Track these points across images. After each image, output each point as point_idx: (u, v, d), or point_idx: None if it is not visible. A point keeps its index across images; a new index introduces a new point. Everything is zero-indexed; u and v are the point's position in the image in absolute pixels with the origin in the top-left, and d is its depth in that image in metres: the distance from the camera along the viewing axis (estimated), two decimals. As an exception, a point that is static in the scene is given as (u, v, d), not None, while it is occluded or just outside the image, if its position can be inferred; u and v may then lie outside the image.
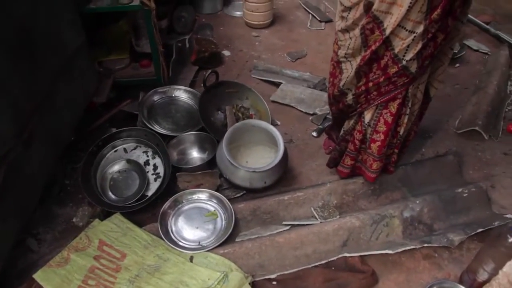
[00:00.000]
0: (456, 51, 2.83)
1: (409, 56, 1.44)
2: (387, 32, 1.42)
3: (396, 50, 1.45)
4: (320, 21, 3.19)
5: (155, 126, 2.15)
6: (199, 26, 3.14)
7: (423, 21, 1.36)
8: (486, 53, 2.97)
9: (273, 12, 3.14)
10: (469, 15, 3.29)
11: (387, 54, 1.48)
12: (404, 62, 1.46)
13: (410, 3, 1.33)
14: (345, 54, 1.62)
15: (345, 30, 1.59)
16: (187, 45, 2.89)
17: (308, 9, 3.32)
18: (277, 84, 2.56)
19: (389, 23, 1.41)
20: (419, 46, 1.42)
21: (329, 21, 3.19)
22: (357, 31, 1.52)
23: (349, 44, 1.58)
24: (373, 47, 1.48)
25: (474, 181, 2.02)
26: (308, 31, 3.14)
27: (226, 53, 2.86)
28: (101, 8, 2.16)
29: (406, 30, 1.40)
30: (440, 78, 1.71)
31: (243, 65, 2.75)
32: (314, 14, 3.25)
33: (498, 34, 3.11)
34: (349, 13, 1.54)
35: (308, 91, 2.49)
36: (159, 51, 2.31)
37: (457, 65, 2.84)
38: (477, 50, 3.00)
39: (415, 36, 1.39)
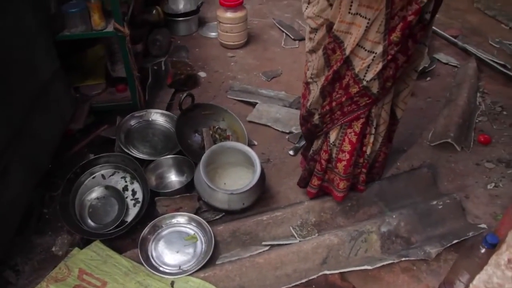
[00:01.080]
0: (427, 65, 2.91)
1: (369, 76, 1.49)
2: (347, 51, 1.47)
3: (357, 70, 1.50)
4: (294, 40, 3.25)
5: (132, 151, 2.15)
6: (175, 48, 3.17)
7: (382, 42, 1.41)
8: (456, 66, 3.06)
9: (247, 32, 3.19)
10: (437, 29, 3.42)
11: (348, 74, 1.53)
12: (364, 83, 1.51)
13: (368, 23, 1.38)
14: (311, 74, 1.67)
15: (312, 51, 1.64)
16: (163, 68, 2.91)
17: (282, 28, 3.37)
18: (253, 104, 2.59)
19: (349, 43, 1.46)
20: (379, 66, 1.46)
21: (303, 39, 3.25)
22: (320, 52, 1.57)
23: (314, 65, 1.63)
24: (335, 67, 1.53)
25: (449, 193, 2.07)
26: (282, 49, 3.18)
27: (202, 74, 2.88)
28: (76, 35, 2.17)
29: (365, 50, 1.45)
30: (405, 100, 1.76)
31: (219, 86, 2.78)
32: (288, 33, 3.31)
33: (465, 47, 3.21)
34: (315, 34, 1.59)
35: (284, 110, 2.52)
36: (134, 76, 2.33)
37: (428, 78, 2.92)
38: (446, 63, 3.09)
39: (374, 56, 1.44)
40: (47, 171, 1.99)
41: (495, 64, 3.03)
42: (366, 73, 1.49)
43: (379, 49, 1.43)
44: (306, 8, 1.59)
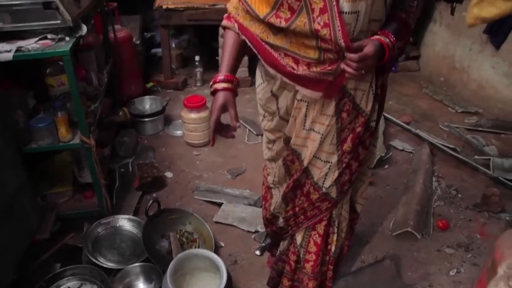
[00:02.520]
0: (383, 154, 3.07)
1: (328, 183, 1.59)
2: (305, 163, 1.58)
3: (316, 179, 1.60)
4: (257, 135, 3.39)
5: (100, 259, 2.15)
6: (142, 148, 3.25)
7: (336, 152, 1.53)
8: (411, 152, 3.24)
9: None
10: (391, 117, 3.65)
11: (308, 182, 1.63)
12: (324, 189, 1.60)
13: (321, 137, 1.50)
14: (273, 181, 1.77)
15: (272, 160, 1.74)
16: (130, 169, 2.98)
17: (244, 124, 3.52)
18: (219, 204, 2.64)
19: (306, 155, 1.57)
20: (336, 174, 1.57)
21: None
22: (280, 162, 1.68)
23: (275, 173, 1.73)
24: (295, 176, 1.63)
25: (413, 283, 2.13)
26: (245, 145, 3.31)
27: (169, 174, 2.95)
28: (43, 148, 2.23)
29: (322, 160, 1.56)
30: (363, 195, 1.86)
31: (185, 186, 2.84)
32: (251, 128, 3.46)
33: (418, 133, 3.42)
34: (273, 145, 1.70)
35: (249, 209, 2.59)
36: (101, 185, 2.37)
37: (386, 166, 3.07)
38: (402, 150, 3.27)
39: (330, 165, 1.55)
40: (11, 283, 1.95)
41: (446, 148, 3.23)
42: (324, 181, 1.59)
43: (334, 158, 1.54)
44: (262, 121, 1.72)
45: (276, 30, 1.35)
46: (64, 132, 2.23)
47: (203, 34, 4.93)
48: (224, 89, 1.45)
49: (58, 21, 2.05)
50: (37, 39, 2.07)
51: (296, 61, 1.38)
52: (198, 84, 4.31)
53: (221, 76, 1.47)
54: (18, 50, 1.96)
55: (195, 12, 3.87)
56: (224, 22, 1.51)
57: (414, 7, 1.44)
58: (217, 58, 4.27)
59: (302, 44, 1.34)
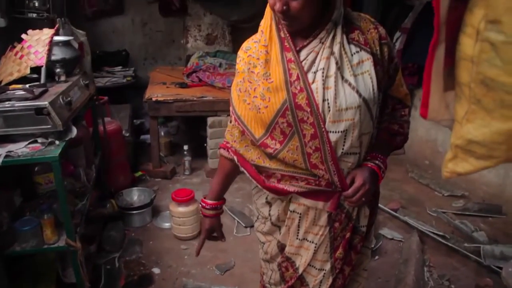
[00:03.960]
0: (373, 245, 3.05)
1: None
2: (300, 270, 1.57)
3: (311, 286, 1.58)
4: (245, 227, 3.36)
5: None
6: (129, 242, 3.20)
7: (329, 259, 1.53)
8: (400, 240, 3.23)
9: (200, 223, 3.28)
10: (379, 204, 3.66)
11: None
12: None
13: (315, 247, 1.51)
14: (269, 282, 1.73)
15: (267, 261, 1.72)
16: (117, 265, 2.90)
17: (233, 215, 3.51)
18: (207, 303, 2.56)
19: (301, 263, 1.56)
20: (330, 280, 1.55)
21: (253, 226, 3.37)
22: (275, 266, 1.66)
23: (270, 275, 1.70)
24: (290, 283, 1.61)
25: None
26: (234, 238, 3.27)
27: (156, 270, 2.88)
28: (27, 251, 2.18)
29: (316, 269, 1.55)
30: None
31: (173, 284, 2.76)
32: (239, 220, 3.44)
33: (406, 221, 3.43)
34: (267, 247, 1.69)
35: (238, 309, 2.51)
36: (85, 287, 2.30)
37: (377, 257, 3.03)
38: (392, 239, 3.25)
39: (324, 273, 1.54)
40: None
41: (435, 236, 3.22)
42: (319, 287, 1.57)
43: (328, 266, 1.53)
44: (256, 221, 1.72)
45: (271, 155, 1.42)
46: (49, 234, 2.19)
47: (191, 121, 5.05)
48: (211, 215, 1.67)
49: (49, 126, 2.09)
50: (27, 143, 2.11)
51: (295, 178, 1.43)
52: (187, 173, 4.33)
53: (209, 202, 1.66)
54: (7, 155, 1.99)
55: (184, 104, 3.99)
56: (222, 151, 1.60)
57: (406, 115, 1.51)
58: (205, 145, 4.34)
59: (295, 166, 1.39)
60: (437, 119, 0.89)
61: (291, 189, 1.44)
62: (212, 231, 1.70)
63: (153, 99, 3.98)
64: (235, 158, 1.54)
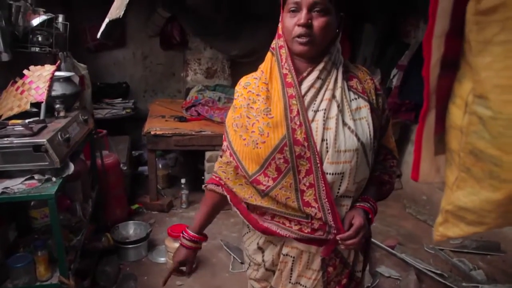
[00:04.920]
0: (370, 284, 3.02)
1: None
2: None
3: None
4: (242, 263, 3.33)
5: None
6: (123, 277, 3.16)
7: None
8: (398, 278, 3.19)
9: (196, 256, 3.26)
10: (376, 241, 3.64)
11: None
12: None
13: None
14: None
15: None
16: (110, 303, 2.87)
17: (229, 250, 3.48)
18: None
19: None
20: None
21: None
22: None
23: None
24: None
25: None
26: (230, 274, 3.23)
27: (150, 309, 2.84)
28: (19, 287, 2.15)
29: None
30: None
31: (167, 324, 2.71)
32: (235, 256, 3.41)
33: (404, 258, 3.40)
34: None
35: None
36: (77, 327, 2.27)
37: (373, 297, 3.00)
38: (389, 277, 3.22)
39: None
40: None
41: (433, 275, 3.19)
42: None
43: None
44: (248, 269, 1.70)
45: (263, 193, 1.42)
46: (42, 271, 2.18)
47: (190, 154, 5.06)
48: (189, 247, 1.62)
49: (47, 163, 2.10)
50: (23, 179, 2.11)
51: (287, 219, 1.43)
52: (184, 206, 4.32)
53: (191, 234, 1.63)
54: (3, 192, 1.99)
55: (182, 138, 4.02)
56: (213, 187, 1.59)
57: (395, 166, 1.55)
58: (203, 178, 4.34)
59: (287, 205, 1.39)
60: (428, 181, 0.91)
61: (283, 233, 1.43)
62: (183, 264, 1.64)
63: (152, 133, 4.01)
64: (228, 197, 1.54)
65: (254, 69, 1.51)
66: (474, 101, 0.63)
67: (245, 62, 5.21)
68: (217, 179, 1.58)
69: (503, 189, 0.64)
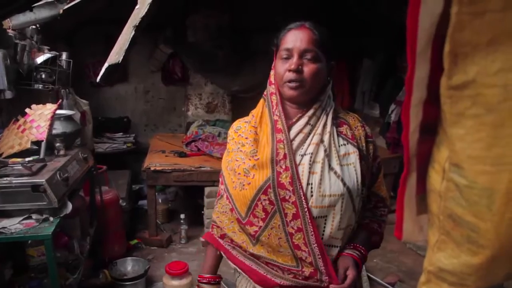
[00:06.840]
0: (369, 324, 2.98)
1: None
2: None
3: None
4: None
5: None
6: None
7: None
8: (399, 317, 3.15)
9: (193, 294, 3.23)
10: (376, 278, 3.60)
11: None
12: None
13: None
14: None
15: None
16: None
17: (227, 287, 3.45)
18: None
19: None
20: None
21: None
22: None
23: None
24: None
25: None
26: (228, 313, 3.20)
27: None
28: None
29: None
30: None
31: None
32: (233, 294, 3.37)
33: (404, 297, 3.36)
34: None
35: None
36: None
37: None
38: (390, 315, 3.18)
39: None
40: None
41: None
42: None
43: None
44: None
45: (254, 240, 1.42)
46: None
47: (190, 188, 5.06)
48: None
49: (45, 203, 2.12)
50: (21, 218, 2.13)
51: (279, 268, 1.42)
52: (183, 241, 4.29)
53: (206, 276, 1.57)
54: (0, 232, 2.00)
55: (182, 174, 4.03)
56: (209, 246, 1.61)
57: (385, 215, 1.55)
58: (202, 212, 4.33)
59: (278, 252, 1.40)
60: (412, 240, 0.91)
61: (277, 280, 1.43)
62: None
63: (152, 168, 4.03)
64: (224, 255, 1.54)
65: (254, 104, 1.54)
66: (450, 169, 0.65)
67: (246, 97, 5.28)
68: (213, 232, 1.60)
69: (481, 254, 0.66)
